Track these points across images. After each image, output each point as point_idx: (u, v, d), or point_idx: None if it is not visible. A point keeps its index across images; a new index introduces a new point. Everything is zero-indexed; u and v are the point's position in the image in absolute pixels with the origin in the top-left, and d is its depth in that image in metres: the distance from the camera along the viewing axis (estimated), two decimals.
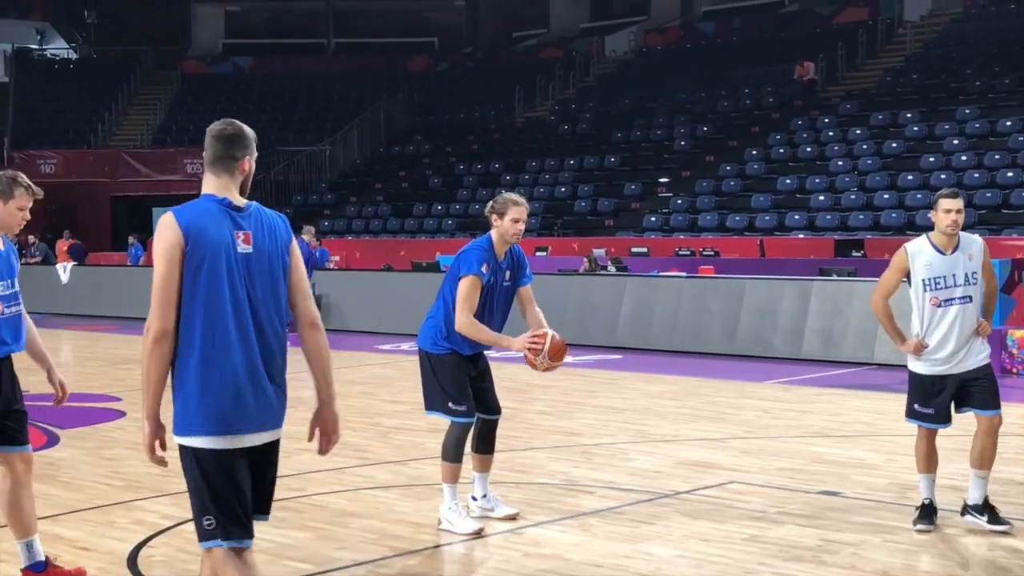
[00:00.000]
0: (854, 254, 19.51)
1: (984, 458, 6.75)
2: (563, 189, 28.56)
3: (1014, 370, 13.79)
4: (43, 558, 5.77)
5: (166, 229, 4.13)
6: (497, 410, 7.02)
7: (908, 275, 6.79)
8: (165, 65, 41.54)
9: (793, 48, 31.92)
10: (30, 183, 5.75)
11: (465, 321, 6.64)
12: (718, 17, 37.42)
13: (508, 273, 6.85)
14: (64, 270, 25.40)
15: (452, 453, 6.79)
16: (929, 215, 6.84)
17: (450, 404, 6.77)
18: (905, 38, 31.26)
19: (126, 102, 39.48)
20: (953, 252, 6.73)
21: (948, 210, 6.68)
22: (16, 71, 40.23)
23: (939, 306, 6.71)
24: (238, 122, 4.45)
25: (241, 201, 4.27)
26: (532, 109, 34.79)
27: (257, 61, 42.06)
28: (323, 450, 4.59)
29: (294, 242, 4.36)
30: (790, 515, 7.13)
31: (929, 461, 6.82)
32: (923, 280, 6.72)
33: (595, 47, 37.78)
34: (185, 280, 4.09)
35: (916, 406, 6.82)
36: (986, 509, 6.70)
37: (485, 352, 7.03)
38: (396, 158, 34.81)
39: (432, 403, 6.91)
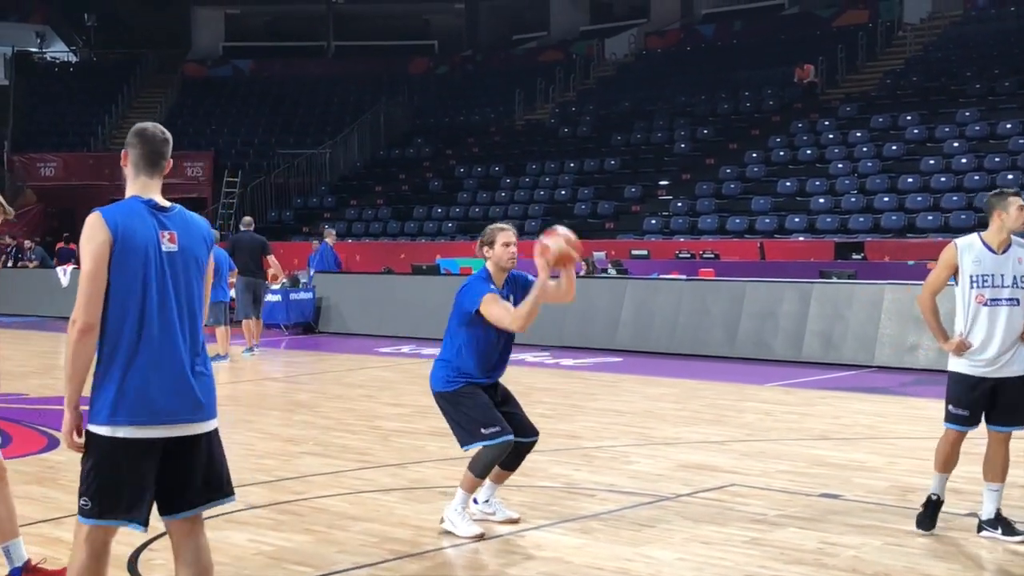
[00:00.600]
0: (854, 257, 19.51)
1: (1004, 470, 6.65)
2: (563, 192, 28.56)
3: None
4: (20, 564, 5.75)
5: (95, 228, 4.33)
6: (532, 432, 6.94)
7: (956, 272, 6.65)
8: (165, 68, 41.55)
9: (793, 51, 31.93)
10: (2, 201, 5.80)
11: (517, 319, 6.51)
12: (718, 20, 37.44)
13: (512, 299, 6.81)
14: (64, 273, 25.41)
15: (481, 470, 6.73)
16: (995, 214, 6.58)
17: (482, 430, 6.65)
18: (905, 41, 31.26)
19: (126, 105, 39.49)
20: (1004, 252, 6.60)
21: (1022, 207, 6.56)
22: (16, 74, 40.25)
23: (985, 304, 6.54)
24: (160, 125, 4.70)
25: (165, 202, 4.55)
26: (532, 112, 34.80)
27: (257, 64, 42.07)
28: None
29: (214, 246, 4.60)
30: (791, 518, 7.12)
31: (949, 462, 6.69)
32: (971, 276, 6.57)
33: (595, 50, 37.79)
34: (112, 276, 4.30)
35: (951, 407, 6.62)
36: (999, 522, 6.58)
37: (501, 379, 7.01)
38: (396, 161, 34.82)
39: (465, 437, 6.73)
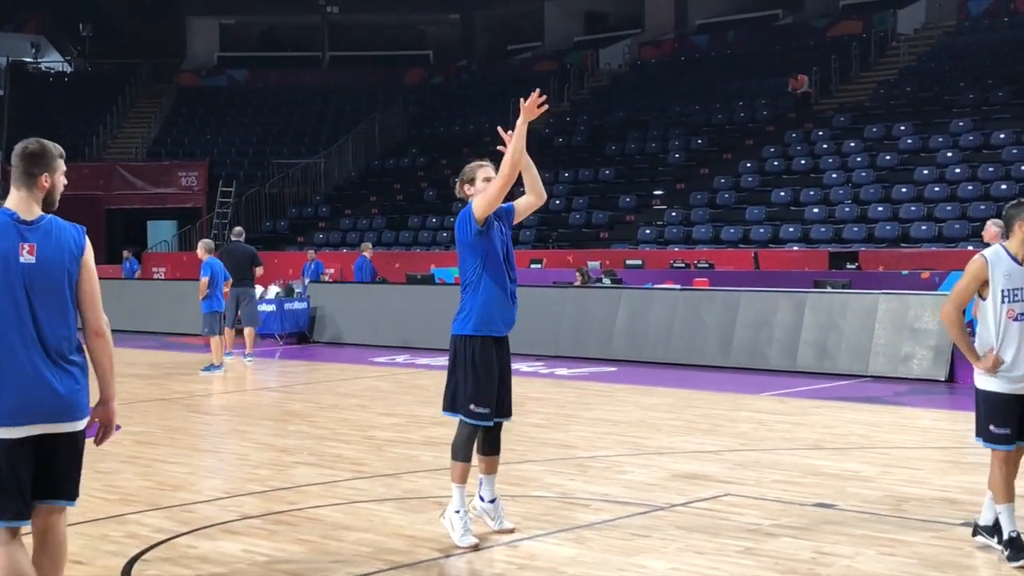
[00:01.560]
0: (848, 266, 19.54)
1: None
2: (558, 202, 28.58)
3: None
4: None
5: None
6: (507, 413, 6.97)
7: (985, 286, 6.38)
8: (160, 78, 41.58)
9: (787, 61, 32.00)
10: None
11: (502, 175, 6.83)
12: (712, 30, 37.51)
13: (500, 228, 6.90)
14: None
15: (463, 452, 6.75)
16: (1016, 225, 6.36)
17: (472, 407, 6.70)
18: (899, 51, 31.34)
19: (121, 115, 39.50)
20: None
21: None
22: (11, 84, 40.24)
23: (1015, 319, 6.32)
24: (44, 141, 4.92)
25: (33, 214, 4.73)
26: None
27: (252, 74, 42.09)
28: (99, 441, 5.13)
29: (86, 254, 4.78)
30: (785, 527, 7.12)
31: (1010, 488, 6.32)
32: (1002, 291, 6.31)
33: (589, 60, 37.85)
34: None
35: (992, 427, 6.30)
36: (996, 531, 6.49)
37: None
38: (391, 171, 34.83)
39: (452, 404, 6.80)
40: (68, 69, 44.85)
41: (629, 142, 30.26)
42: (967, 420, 11.68)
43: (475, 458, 6.91)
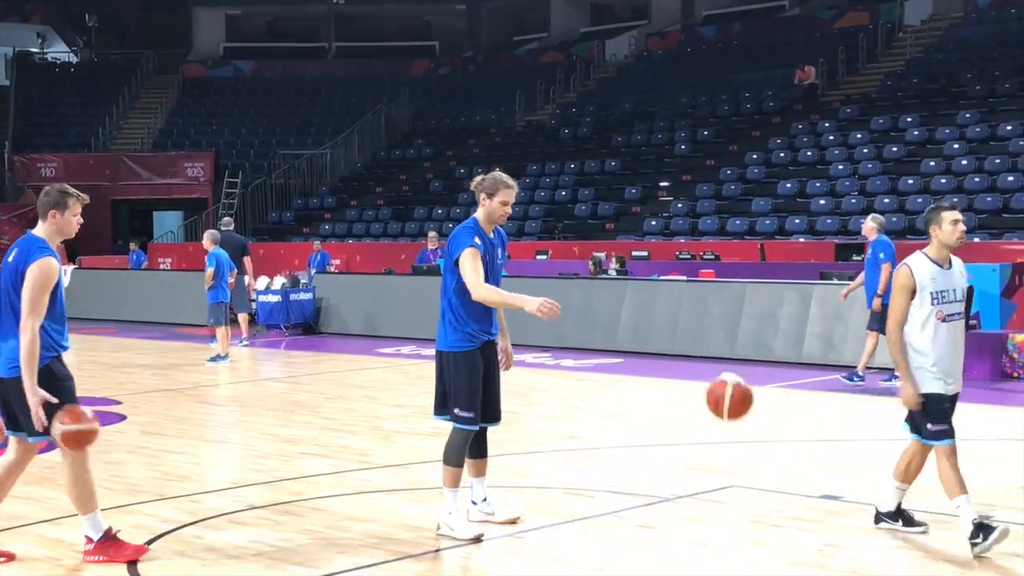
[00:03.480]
0: (855, 258, 19.47)
1: (914, 475, 6.76)
2: (564, 193, 28.56)
3: (1015, 374, 13.78)
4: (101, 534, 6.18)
5: None
6: (495, 418, 6.94)
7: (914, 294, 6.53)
8: (166, 69, 41.56)
9: (794, 52, 31.92)
10: (78, 193, 6.27)
11: (480, 287, 6.51)
12: (718, 21, 37.42)
13: (499, 251, 6.85)
14: (65, 273, 25.38)
15: (455, 457, 6.76)
16: (931, 230, 6.64)
17: (457, 411, 6.71)
18: (906, 42, 31.26)
19: (127, 106, 39.49)
20: (949, 267, 6.65)
21: (956, 221, 6.60)
22: (17, 74, 40.24)
23: (944, 320, 6.52)
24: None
25: None
26: (533, 113, 34.80)
27: (258, 65, 42.07)
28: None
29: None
30: (791, 519, 7.12)
31: (960, 479, 6.42)
32: (931, 294, 6.50)
33: (596, 51, 37.79)
34: None
35: (930, 426, 6.51)
36: (899, 515, 6.74)
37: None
38: (397, 162, 34.82)
39: (440, 407, 6.83)
40: (74, 60, 44.85)
41: (635, 133, 30.22)
42: (973, 412, 11.70)
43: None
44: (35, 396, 5.98)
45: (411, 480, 8.35)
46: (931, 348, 6.48)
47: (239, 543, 6.65)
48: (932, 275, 6.54)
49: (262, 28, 45.32)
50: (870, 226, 13.44)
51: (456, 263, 6.65)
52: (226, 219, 19.08)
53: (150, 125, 38.91)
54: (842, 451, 9.44)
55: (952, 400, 6.57)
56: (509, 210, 6.77)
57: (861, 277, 13.62)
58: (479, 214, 6.78)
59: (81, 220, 6.37)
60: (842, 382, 13.35)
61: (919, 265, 6.60)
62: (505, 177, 6.76)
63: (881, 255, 13.11)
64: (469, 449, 6.88)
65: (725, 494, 7.85)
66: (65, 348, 6.30)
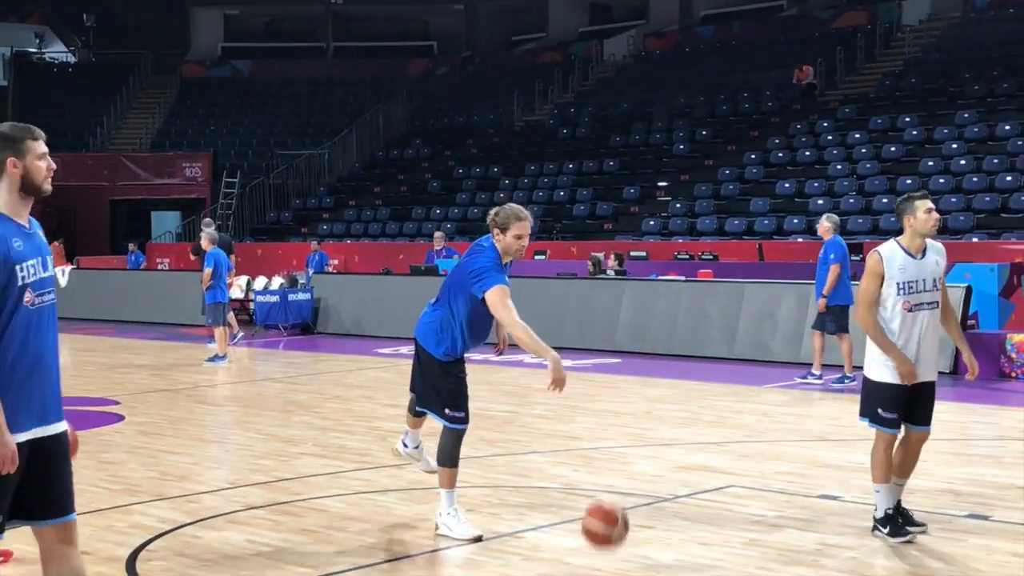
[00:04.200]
0: (853, 258, 19.45)
1: (909, 468, 6.77)
2: (562, 193, 28.55)
3: (1013, 374, 13.78)
4: None
5: None
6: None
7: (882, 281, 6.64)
8: (164, 69, 41.53)
9: (792, 52, 31.92)
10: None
11: (516, 326, 6.34)
12: (717, 21, 37.43)
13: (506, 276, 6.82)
14: (63, 273, 25.39)
15: (449, 458, 6.77)
16: (905, 220, 6.75)
17: (447, 411, 6.72)
18: (904, 42, 31.27)
19: (125, 106, 39.48)
20: (923, 256, 6.73)
21: (930, 210, 6.71)
22: (15, 74, 40.23)
23: (909, 310, 6.62)
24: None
25: None
26: (531, 113, 34.80)
27: (256, 65, 42.05)
28: None
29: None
30: (789, 519, 7.12)
31: (889, 468, 6.63)
32: (898, 284, 6.62)
33: (594, 51, 37.78)
34: None
35: (880, 411, 6.62)
36: (899, 514, 6.71)
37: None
38: (395, 162, 34.81)
39: (428, 404, 6.85)
40: (72, 60, 44.82)
41: (633, 133, 30.22)
42: (971, 412, 11.71)
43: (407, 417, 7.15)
44: None
45: (409, 480, 8.35)
46: (896, 337, 6.59)
47: (237, 543, 6.64)
48: (902, 264, 6.64)
49: (260, 28, 45.30)
50: (826, 226, 13.50)
51: (477, 280, 6.49)
52: (207, 219, 19.50)
53: (148, 125, 38.89)
54: (840, 451, 9.44)
55: (924, 388, 6.65)
56: (525, 244, 6.59)
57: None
58: (497, 246, 6.61)
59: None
60: (801, 381, 13.35)
61: (890, 253, 6.69)
62: (518, 210, 6.60)
63: (832, 256, 13.13)
64: (413, 408, 7.01)
65: (723, 494, 7.84)
66: None
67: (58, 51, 45.21)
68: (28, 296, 4.26)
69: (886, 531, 6.58)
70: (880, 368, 6.64)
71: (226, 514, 7.32)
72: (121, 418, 11.24)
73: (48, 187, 4.41)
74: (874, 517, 6.68)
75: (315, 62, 42.63)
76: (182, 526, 7.02)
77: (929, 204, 6.75)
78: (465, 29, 43.66)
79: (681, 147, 28.75)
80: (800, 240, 22.61)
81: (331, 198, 33.53)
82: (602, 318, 17.33)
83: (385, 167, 34.73)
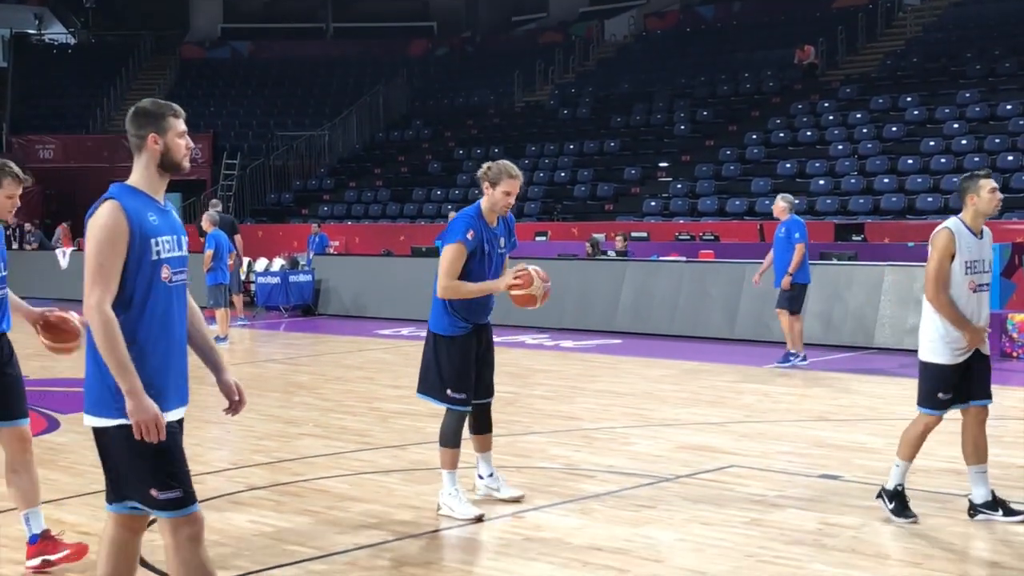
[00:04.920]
0: (854, 238, 19.49)
1: (982, 451, 6.63)
2: (563, 174, 28.52)
3: (1014, 354, 13.80)
4: (39, 532, 5.82)
5: None
6: (488, 393, 6.98)
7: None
8: (163, 50, 41.44)
9: (793, 32, 31.83)
10: (18, 172, 5.77)
11: (447, 286, 6.56)
12: (717, 1, 37.31)
13: (503, 240, 6.81)
14: (64, 255, 25.39)
15: (451, 439, 6.78)
16: (968, 198, 6.55)
17: (449, 391, 6.72)
18: (905, 22, 31.18)
19: (124, 87, 39.39)
20: (982, 237, 6.59)
21: (994, 189, 6.55)
22: (14, 56, 40.14)
23: (975, 291, 6.47)
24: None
25: None
26: (531, 94, 34.72)
27: (255, 46, 41.94)
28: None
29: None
30: (790, 499, 7.13)
31: (917, 449, 6.63)
32: (966, 263, 6.44)
33: (594, 31, 37.68)
34: None
35: (940, 394, 6.51)
36: (998, 504, 6.56)
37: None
38: (395, 143, 34.76)
39: (426, 387, 6.86)
40: (71, 41, 44.72)
41: (634, 114, 30.16)
42: None
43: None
44: None
45: (410, 461, 8.36)
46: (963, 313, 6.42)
47: (240, 524, 6.65)
48: (968, 244, 6.48)
49: (259, 9, 45.16)
50: (781, 206, 13.47)
51: (442, 238, 6.72)
52: (214, 200, 19.64)
53: None
54: (841, 431, 9.45)
55: (983, 360, 6.58)
56: (512, 200, 6.69)
57: (770, 256, 13.59)
58: (483, 202, 6.72)
59: (17, 203, 5.85)
60: (782, 367, 13.24)
61: (958, 230, 6.50)
62: (510, 167, 6.68)
63: (796, 235, 13.10)
64: (473, 425, 6.93)
65: (725, 474, 7.86)
66: None
67: (58, 32, 45.09)
68: (165, 272, 4.21)
69: (891, 507, 6.55)
70: (942, 349, 6.48)
71: (228, 495, 7.34)
72: None
73: (187, 164, 4.39)
74: (883, 488, 6.65)
75: (315, 43, 42.53)
76: None
77: (993, 184, 6.58)
78: (465, 9, 43.54)
79: (682, 127, 28.70)
80: (801, 220, 22.57)
81: (332, 179, 33.50)
82: (603, 299, 17.33)
83: (385, 148, 34.68)
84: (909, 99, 25.48)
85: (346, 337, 17.25)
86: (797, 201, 23.36)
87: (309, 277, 20.68)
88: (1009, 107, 23.75)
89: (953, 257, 6.44)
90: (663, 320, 16.62)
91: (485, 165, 6.78)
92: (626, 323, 16.94)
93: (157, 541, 6.30)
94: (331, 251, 23.80)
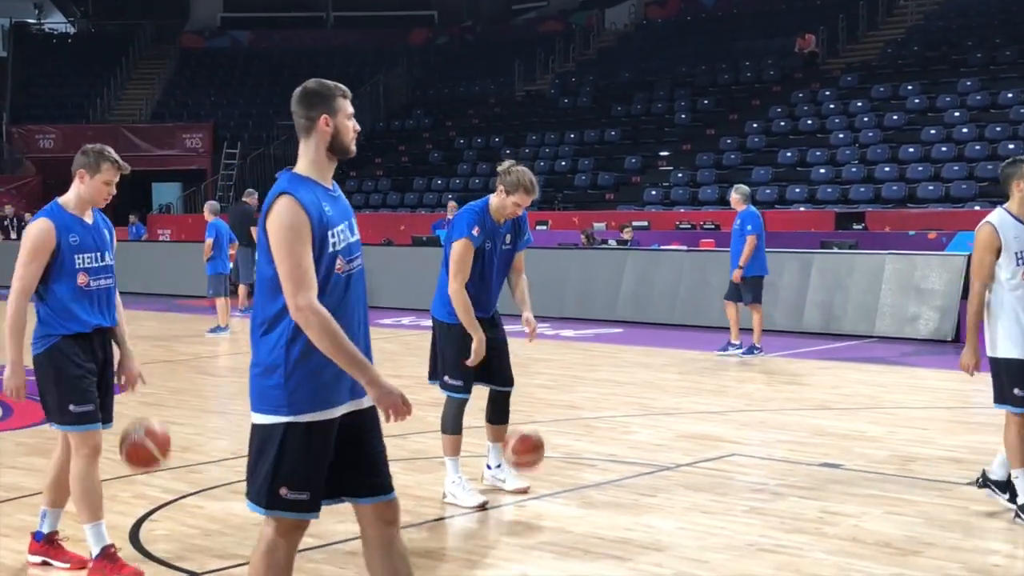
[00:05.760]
0: (855, 227, 19.48)
1: None
2: (563, 163, 28.50)
3: None
4: (47, 532, 5.73)
5: None
6: (506, 382, 6.99)
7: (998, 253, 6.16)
8: (163, 39, 41.38)
9: (794, 20, 31.78)
10: (117, 158, 5.63)
11: (457, 289, 6.55)
12: None
13: (508, 237, 6.78)
14: None
15: (451, 425, 6.80)
16: (1013, 184, 6.27)
17: (447, 378, 6.75)
18: (906, 10, 31.12)
19: (124, 77, 39.35)
20: None
21: None
22: (14, 46, 40.08)
23: None
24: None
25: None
26: (532, 83, 34.68)
27: (255, 35, 41.88)
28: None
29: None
30: (791, 487, 7.13)
31: None
32: (1015, 254, 6.14)
33: (595, 20, 37.61)
34: None
35: (1017, 391, 6.14)
36: (1008, 487, 6.40)
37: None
38: (396, 132, 34.73)
39: (432, 373, 6.95)
40: (71, 30, 44.65)
41: (635, 103, 30.12)
42: (973, 380, 11.63)
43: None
44: (15, 377, 5.43)
45: (411, 450, 8.36)
46: (1014, 312, 6.15)
47: (240, 512, 6.64)
48: (1016, 233, 6.19)
49: None
50: (736, 197, 13.35)
51: (449, 233, 6.71)
52: (248, 190, 19.83)
53: (148, 96, 38.78)
54: (842, 420, 9.45)
55: None
56: (520, 212, 6.67)
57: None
58: (492, 199, 6.69)
59: (114, 190, 5.68)
60: (726, 358, 13.05)
61: (1003, 222, 6.22)
62: (529, 183, 6.57)
63: (748, 227, 12.92)
64: (488, 414, 6.98)
65: (725, 462, 7.86)
66: (72, 328, 5.53)
67: (57, 22, 45.02)
68: (339, 263, 4.12)
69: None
70: (1008, 344, 6.18)
71: (229, 484, 7.34)
72: (121, 388, 11.24)
73: (354, 149, 4.21)
74: (1017, 504, 6.25)
75: (315, 32, 42.45)
76: (185, 496, 7.04)
77: None
78: None
79: (682, 116, 28.67)
80: (802, 209, 22.58)
81: None
82: (604, 288, 17.33)
83: (386, 138, 34.65)
84: (910, 87, 25.44)
85: None
86: (796, 190, 23.52)
87: None
88: (1010, 95, 23.71)
89: (999, 252, 6.16)
90: (664, 309, 16.61)
91: (507, 164, 6.68)
92: (627, 312, 16.94)
93: (157, 531, 6.32)
94: None
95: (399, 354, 14.04)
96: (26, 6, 44.11)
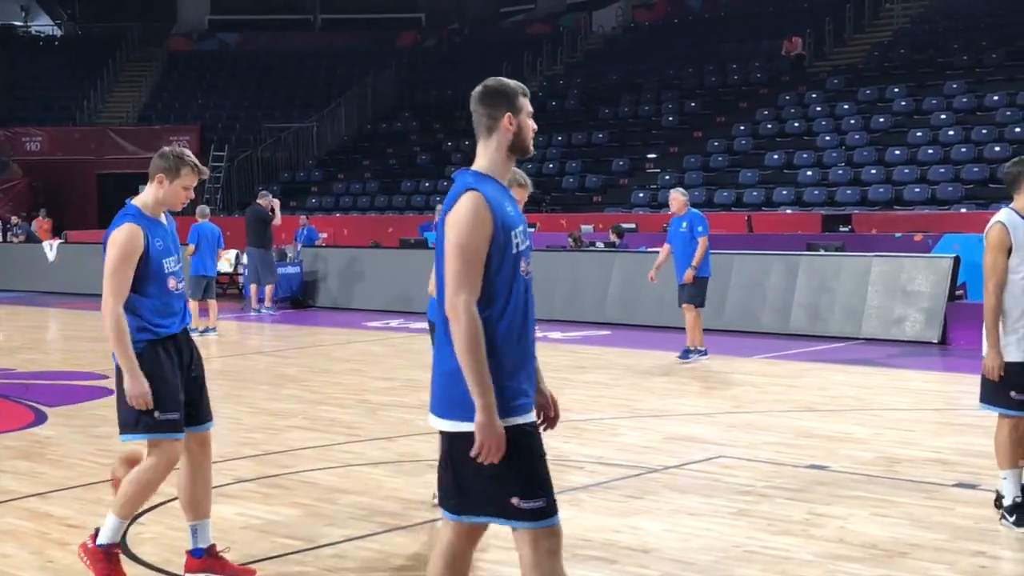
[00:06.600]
0: (842, 229, 19.53)
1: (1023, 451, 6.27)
2: (551, 165, 28.51)
3: None
4: (204, 546, 5.58)
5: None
6: None
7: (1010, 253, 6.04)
8: (151, 42, 41.29)
9: (781, 23, 31.85)
10: (197, 162, 5.52)
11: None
12: None
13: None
14: (51, 248, 25.31)
15: None
16: (1021, 184, 6.09)
17: None
18: (892, 13, 31.21)
19: (112, 79, 39.27)
20: None
21: None
22: (1, 48, 39.97)
23: None
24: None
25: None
26: None
27: (243, 37, 41.84)
28: None
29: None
30: (778, 489, 7.15)
31: (1016, 452, 6.17)
32: None
33: (582, 23, 37.66)
34: None
35: (1014, 393, 6.07)
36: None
37: None
38: (384, 135, 34.72)
39: None
40: (58, 33, 44.55)
41: (622, 105, 30.16)
42: (959, 382, 11.74)
43: None
44: (137, 384, 5.38)
45: (399, 453, 8.37)
46: (1020, 312, 6.04)
47: (228, 516, 6.65)
48: None
49: (247, 1, 45.03)
50: (681, 200, 13.34)
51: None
52: (261, 191, 20.45)
53: (135, 99, 38.71)
54: (829, 421, 9.48)
55: None
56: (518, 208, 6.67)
57: (665, 250, 13.42)
58: None
59: (192, 195, 5.51)
60: (681, 362, 13.00)
61: (1012, 222, 6.07)
62: (522, 177, 6.49)
63: (700, 228, 12.96)
64: None
65: (713, 464, 7.87)
66: (161, 332, 5.46)
67: (44, 24, 44.91)
68: (523, 265, 3.99)
69: (1012, 519, 6.16)
70: (1011, 348, 6.07)
71: (217, 487, 7.31)
72: (111, 392, 11.21)
73: (532, 148, 4.15)
74: (1002, 506, 6.24)
75: (303, 34, 42.42)
76: (173, 499, 7.02)
77: None
78: (454, 1, 43.46)
79: (670, 119, 28.72)
80: (789, 211, 22.64)
81: (320, 171, 33.45)
82: (592, 290, 17.35)
83: (374, 140, 34.64)
84: (896, 90, 25.52)
85: (334, 329, 17.23)
86: (783, 193, 23.58)
87: (297, 269, 20.66)
88: (996, 98, 23.80)
89: (1010, 252, 6.03)
90: (651, 311, 16.63)
91: None
92: (615, 314, 16.95)
93: (144, 534, 6.31)
94: (320, 243, 23.77)
95: (386, 356, 14.05)
96: (13, 8, 44.01)
